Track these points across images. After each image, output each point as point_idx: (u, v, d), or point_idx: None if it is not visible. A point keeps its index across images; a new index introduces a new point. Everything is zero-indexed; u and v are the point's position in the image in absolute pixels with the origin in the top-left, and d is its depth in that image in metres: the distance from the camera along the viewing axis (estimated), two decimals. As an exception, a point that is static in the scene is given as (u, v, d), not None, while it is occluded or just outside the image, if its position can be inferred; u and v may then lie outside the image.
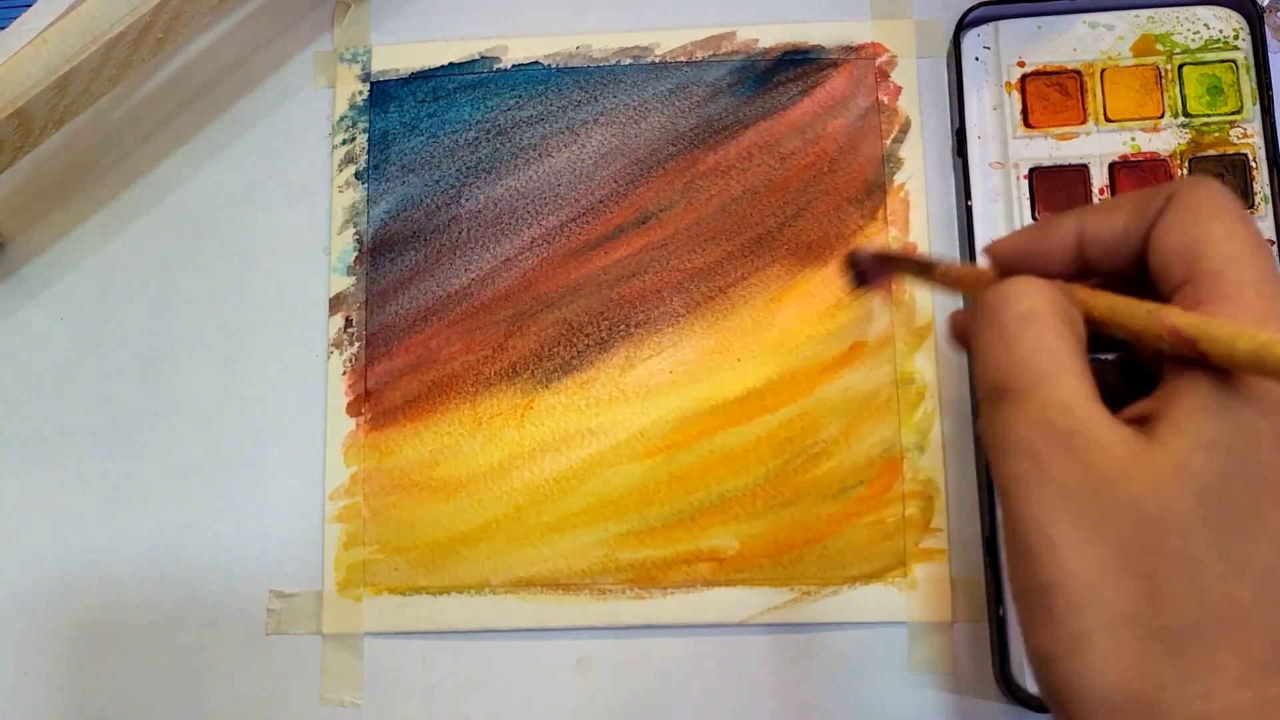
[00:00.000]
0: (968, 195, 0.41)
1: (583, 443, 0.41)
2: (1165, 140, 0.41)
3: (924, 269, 0.29)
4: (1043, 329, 0.23)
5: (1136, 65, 0.41)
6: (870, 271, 0.34)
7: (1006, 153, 0.41)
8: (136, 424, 0.42)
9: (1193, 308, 0.22)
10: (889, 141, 0.42)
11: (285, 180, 0.44)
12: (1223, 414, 0.21)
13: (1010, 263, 0.26)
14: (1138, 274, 0.24)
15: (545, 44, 0.44)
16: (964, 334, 0.27)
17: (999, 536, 0.38)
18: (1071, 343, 0.23)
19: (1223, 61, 0.41)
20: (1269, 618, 0.21)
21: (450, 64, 0.44)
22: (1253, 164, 0.40)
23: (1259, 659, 0.21)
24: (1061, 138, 0.41)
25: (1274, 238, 0.40)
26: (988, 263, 0.26)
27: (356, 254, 0.43)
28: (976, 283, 0.26)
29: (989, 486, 0.38)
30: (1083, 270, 0.25)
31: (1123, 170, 0.40)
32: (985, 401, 0.23)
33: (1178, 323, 0.21)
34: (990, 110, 0.41)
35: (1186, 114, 0.41)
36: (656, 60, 0.44)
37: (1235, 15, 0.41)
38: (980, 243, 0.40)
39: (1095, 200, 0.40)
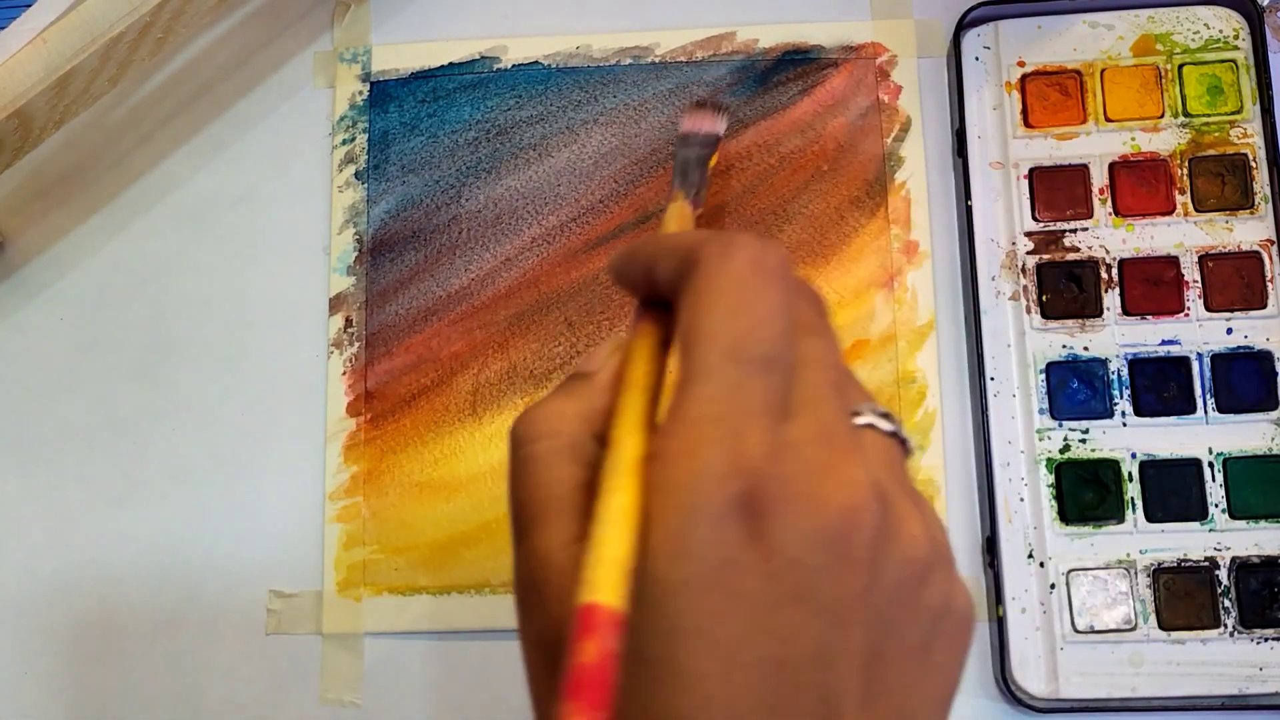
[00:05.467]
0: (968, 195, 0.41)
1: (583, 442, 0.41)
2: (1165, 140, 0.41)
3: None
4: (541, 469, 0.22)
5: (1136, 65, 0.41)
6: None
7: (1006, 152, 0.41)
8: (136, 424, 0.42)
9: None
10: (889, 140, 0.42)
11: (285, 180, 0.44)
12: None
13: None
14: None
15: (545, 44, 0.44)
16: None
17: (999, 536, 0.38)
18: (568, 484, 0.22)
19: (1223, 61, 0.41)
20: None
21: (450, 64, 0.44)
22: (1253, 164, 0.40)
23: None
24: (1061, 137, 0.41)
25: (1274, 237, 0.40)
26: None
27: (356, 254, 0.43)
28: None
29: (989, 486, 0.38)
30: None
31: (1123, 170, 0.40)
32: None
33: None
34: (990, 110, 0.41)
35: (1186, 114, 0.41)
36: (656, 60, 0.44)
37: (1235, 15, 0.41)
38: (980, 242, 0.40)
39: (1095, 200, 0.40)
